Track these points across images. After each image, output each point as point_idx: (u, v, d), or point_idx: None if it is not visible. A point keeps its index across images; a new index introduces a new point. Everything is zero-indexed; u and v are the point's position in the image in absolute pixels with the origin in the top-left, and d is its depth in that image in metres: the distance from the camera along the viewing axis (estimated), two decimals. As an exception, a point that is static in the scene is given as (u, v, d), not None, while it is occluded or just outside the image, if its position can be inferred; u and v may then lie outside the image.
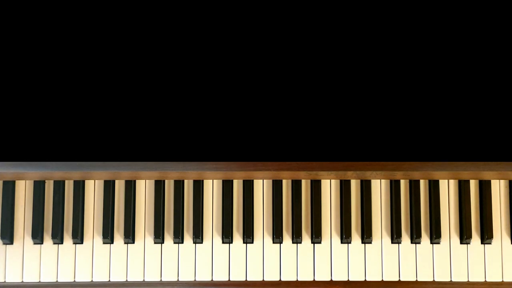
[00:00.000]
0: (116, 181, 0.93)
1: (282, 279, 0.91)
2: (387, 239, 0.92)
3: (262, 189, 0.93)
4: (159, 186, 0.93)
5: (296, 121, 0.87)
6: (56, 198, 0.92)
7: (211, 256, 0.92)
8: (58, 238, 0.91)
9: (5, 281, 0.91)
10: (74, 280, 0.91)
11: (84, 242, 0.92)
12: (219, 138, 0.86)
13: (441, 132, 0.86)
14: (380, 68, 0.87)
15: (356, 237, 0.92)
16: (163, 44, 0.88)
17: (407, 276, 0.91)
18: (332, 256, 0.92)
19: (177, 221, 0.92)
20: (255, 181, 0.93)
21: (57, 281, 0.91)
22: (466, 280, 0.91)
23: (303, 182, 0.93)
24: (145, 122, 0.86)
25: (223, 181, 0.93)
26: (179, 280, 0.91)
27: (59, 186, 0.93)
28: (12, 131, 0.86)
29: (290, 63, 0.88)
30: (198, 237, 0.91)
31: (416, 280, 0.91)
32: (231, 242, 0.92)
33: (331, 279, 0.91)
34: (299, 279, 0.91)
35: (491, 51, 0.87)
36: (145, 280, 0.91)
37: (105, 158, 0.85)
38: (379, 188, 0.93)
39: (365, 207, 0.92)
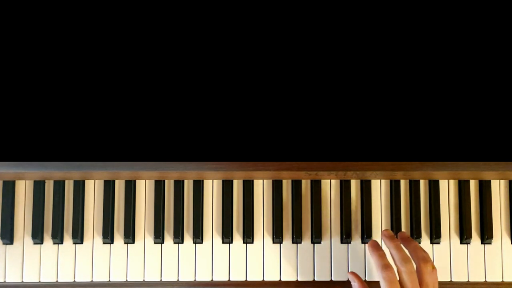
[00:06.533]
0: (116, 181, 0.93)
1: (282, 279, 0.91)
2: (387, 239, 0.92)
3: (262, 189, 0.93)
4: (159, 186, 0.93)
5: (296, 121, 0.87)
6: (56, 198, 0.92)
7: (211, 256, 0.92)
8: (58, 238, 0.92)
9: (5, 281, 0.91)
10: (74, 280, 0.91)
11: (84, 242, 0.92)
12: (219, 138, 0.86)
13: (441, 132, 0.86)
14: (380, 68, 0.87)
15: (356, 237, 0.92)
16: (163, 45, 0.88)
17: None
18: (332, 256, 0.92)
19: (177, 221, 0.92)
20: (255, 181, 0.93)
21: (57, 281, 0.91)
22: (466, 280, 0.91)
23: (303, 182, 0.93)
24: (145, 122, 0.86)
25: (223, 181, 0.93)
26: (179, 280, 0.91)
27: (59, 186, 0.93)
28: (12, 131, 0.86)
29: (290, 63, 0.88)
30: (198, 237, 0.91)
31: (416, 280, 0.91)
32: (231, 242, 0.92)
33: (331, 279, 0.91)
34: (299, 279, 0.91)
35: (491, 51, 0.87)
36: (145, 280, 0.91)
37: (105, 158, 0.85)
38: (379, 188, 0.93)
39: (365, 207, 0.92)
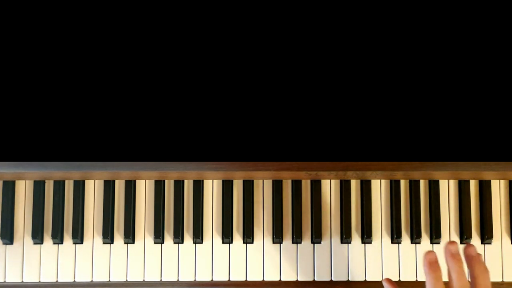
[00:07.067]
0: (116, 181, 0.93)
1: (282, 279, 0.91)
2: (387, 239, 0.92)
3: (262, 189, 0.93)
4: (159, 186, 0.93)
5: (296, 121, 0.87)
6: (56, 198, 0.92)
7: (211, 256, 0.92)
8: (58, 238, 0.91)
9: (5, 281, 0.91)
10: (74, 280, 0.91)
11: (84, 242, 0.92)
12: (219, 138, 0.86)
13: (441, 132, 0.86)
14: (380, 68, 0.87)
15: (356, 237, 0.92)
16: (163, 44, 0.88)
17: (407, 276, 0.91)
18: (332, 256, 0.92)
19: (177, 221, 0.92)
20: (255, 181, 0.93)
21: (57, 281, 0.91)
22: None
23: (303, 182, 0.93)
24: (145, 122, 0.86)
25: (223, 181, 0.93)
26: (179, 280, 0.91)
27: (59, 186, 0.93)
28: (12, 131, 0.86)
29: (290, 63, 0.88)
30: (198, 237, 0.91)
31: (416, 280, 0.91)
32: (231, 242, 0.92)
33: (331, 279, 0.91)
34: (299, 279, 0.91)
35: (491, 51, 0.87)
36: (145, 280, 0.91)
37: (105, 158, 0.85)
38: (379, 188, 0.93)
39: (365, 207, 0.92)
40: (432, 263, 0.71)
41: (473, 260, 0.71)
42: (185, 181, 0.93)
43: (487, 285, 0.68)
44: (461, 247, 0.92)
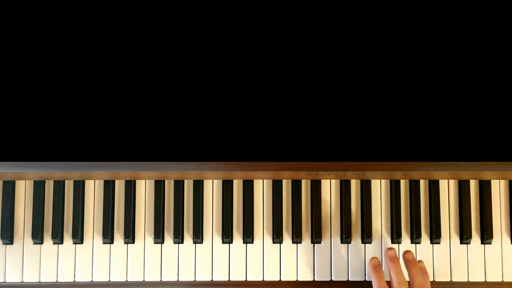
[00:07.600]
0: (116, 181, 0.93)
1: (282, 279, 0.91)
2: (387, 239, 0.92)
3: (262, 189, 0.93)
4: (159, 186, 0.93)
5: (296, 121, 0.87)
6: (56, 198, 0.92)
7: (211, 256, 0.92)
8: (58, 238, 0.91)
9: (5, 281, 0.91)
10: (74, 280, 0.91)
11: (84, 242, 0.92)
12: (219, 138, 0.86)
13: (441, 132, 0.86)
14: (380, 68, 0.87)
15: (356, 237, 0.92)
16: (163, 44, 0.88)
17: (407, 276, 0.91)
18: (332, 256, 0.92)
19: (177, 221, 0.92)
20: (255, 181, 0.93)
21: (57, 281, 0.91)
22: (466, 280, 0.91)
23: (303, 182, 0.93)
24: (145, 122, 0.86)
25: (223, 181, 0.93)
26: (179, 280, 0.91)
27: (59, 186, 0.93)
28: (12, 131, 0.86)
29: (289, 63, 0.88)
30: (198, 237, 0.91)
31: (416, 280, 0.91)
32: (231, 242, 0.92)
33: (331, 279, 0.91)
34: (299, 279, 0.91)
35: (491, 51, 0.87)
36: (145, 280, 0.91)
37: (105, 158, 0.85)
38: (379, 188, 0.93)
39: (365, 207, 0.92)
40: (375, 266, 0.87)
41: (410, 263, 0.86)
42: (185, 181, 0.93)
43: (422, 283, 0.83)
44: (461, 247, 0.92)
